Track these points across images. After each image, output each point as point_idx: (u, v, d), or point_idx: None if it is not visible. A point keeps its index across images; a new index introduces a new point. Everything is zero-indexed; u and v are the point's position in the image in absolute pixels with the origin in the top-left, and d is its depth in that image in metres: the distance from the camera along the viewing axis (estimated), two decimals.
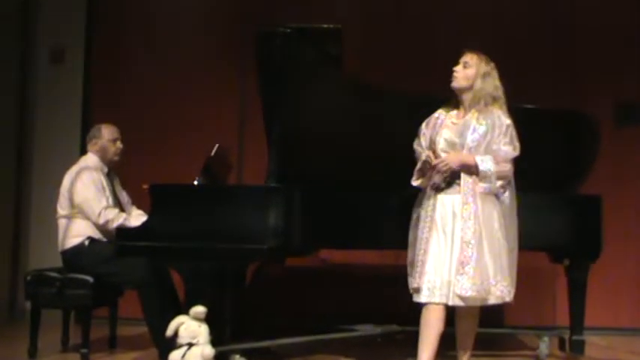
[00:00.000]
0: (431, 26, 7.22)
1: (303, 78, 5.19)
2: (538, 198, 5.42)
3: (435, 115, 4.68)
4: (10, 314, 7.20)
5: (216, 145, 5.74)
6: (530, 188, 4.92)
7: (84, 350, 5.42)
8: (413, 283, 4.51)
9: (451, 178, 4.50)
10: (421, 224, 4.55)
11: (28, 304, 5.66)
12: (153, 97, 7.36)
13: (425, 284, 4.40)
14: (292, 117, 5.18)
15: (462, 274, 4.34)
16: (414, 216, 4.66)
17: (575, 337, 5.70)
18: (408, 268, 4.60)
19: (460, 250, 4.37)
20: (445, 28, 7.12)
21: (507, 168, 4.53)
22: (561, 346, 5.83)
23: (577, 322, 5.70)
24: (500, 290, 4.42)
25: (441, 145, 4.55)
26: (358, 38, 6.71)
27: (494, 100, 4.56)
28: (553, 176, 5.64)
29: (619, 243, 6.60)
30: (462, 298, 4.35)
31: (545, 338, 5.69)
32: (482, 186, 4.47)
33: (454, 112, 4.63)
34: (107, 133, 5.75)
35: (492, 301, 4.43)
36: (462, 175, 4.46)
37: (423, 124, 4.70)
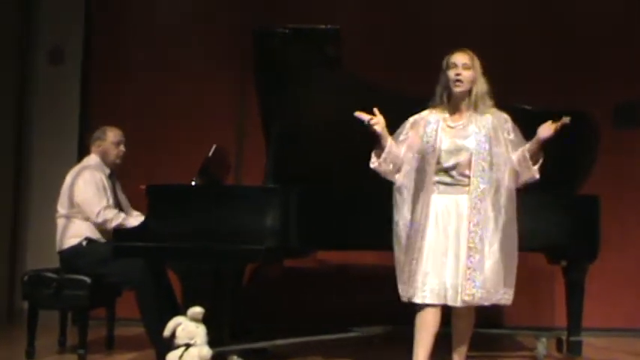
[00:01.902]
0: (430, 26, 7.23)
1: (301, 78, 5.19)
2: (536, 198, 5.40)
3: (423, 117, 4.57)
4: (7, 315, 7.19)
5: (214, 145, 5.75)
6: (528, 189, 4.92)
7: (81, 351, 5.41)
8: (406, 286, 4.48)
9: (455, 178, 4.48)
10: (414, 225, 4.47)
11: (25, 305, 5.66)
12: (151, 98, 7.36)
13: (425, 285, 4.36)
14: (291, 117, 5.19)
15: (471, 280, 4.34)
16: (399, 220, 4.56)
17: (572, 338, 5.70)
18: (397, 272, 4.54)
19: (467, 256, 4.36)
20: (444, 27, 7.11)
21: None
22: (559, 347, 5.83)
23: (574, 323, 5.71)
24: (507, 298, 4.47)
25: (445, 150, 4.46)
26: (356, 38, 6.70)
27: (489, 96, 4.54)
28: (551, 177, 5.63)
29: (617, 244, 6.60)
30: (468, 302, 4.37)
31: (543, 339, 5.69)
32: (526, 176, 4.52)
33: (447, 115, 4.54)
34: (112, 135, 5.77)
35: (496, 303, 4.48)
36: (472, 177, 4.42)
37: (408, 124, 4.61)
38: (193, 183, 5.43)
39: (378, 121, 4.49)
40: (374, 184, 5.07)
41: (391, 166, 4.57)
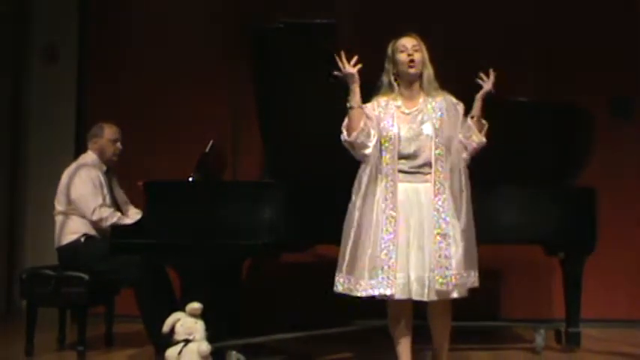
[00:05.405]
0: (426, 21, 7.18)
1: (297, 73, 5.18)
2: (533, 191, 5.42)
3: (376, 104, 4.43)
4: (5, 313, 7.19)
5: (211, 141, 5.75)
6: (525, 181, 4.93)
7: (80, 348, 5.42)
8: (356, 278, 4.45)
9: (416, 167, 4.35)
10: (375, 212, 4.34)
11: (23, 303, 5.66)
12: (147, 94, 7.35)
13: (396, 279, 4.24)
14: (286, 112, 5.18)
15: (442, 267, 4.21)
16: (357, 205, 4.42)
17: (571, 330, 5.72)
18: (345, 260, 4.50)
19: (434, 243, 4.23)
20: (440, 21, 7.09)
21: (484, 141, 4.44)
22: (557, 339, 5.83)
23: (573, 315, 5.72)
24: (473, 281, 4.33)
25: (404, 138, 4.33)
26: (352, 31, 6.69)
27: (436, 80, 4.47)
28: (548, 169, 5.64)
29: (615, 235, 6.60)
30: (441, 292, 4.22)
31: (542, 331, 5.70)
32: (475, 142, 4.37)
33: (399, 103, 4.42)
34: (108, 133, 5.80)
35: (464, 293, 4.30)
36: (434, 164, 4.30)
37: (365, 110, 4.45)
38: (191, 179, 5.43)
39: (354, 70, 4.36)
40: None
41: (366, 138, 4.37)
